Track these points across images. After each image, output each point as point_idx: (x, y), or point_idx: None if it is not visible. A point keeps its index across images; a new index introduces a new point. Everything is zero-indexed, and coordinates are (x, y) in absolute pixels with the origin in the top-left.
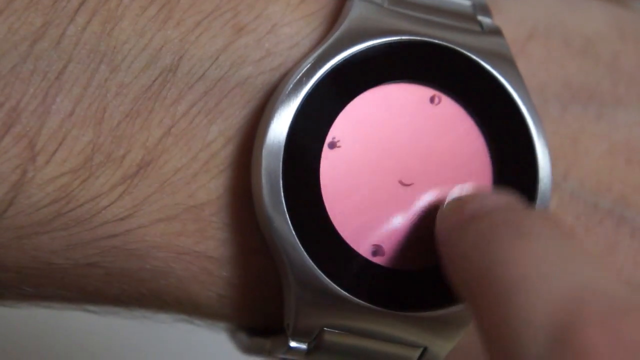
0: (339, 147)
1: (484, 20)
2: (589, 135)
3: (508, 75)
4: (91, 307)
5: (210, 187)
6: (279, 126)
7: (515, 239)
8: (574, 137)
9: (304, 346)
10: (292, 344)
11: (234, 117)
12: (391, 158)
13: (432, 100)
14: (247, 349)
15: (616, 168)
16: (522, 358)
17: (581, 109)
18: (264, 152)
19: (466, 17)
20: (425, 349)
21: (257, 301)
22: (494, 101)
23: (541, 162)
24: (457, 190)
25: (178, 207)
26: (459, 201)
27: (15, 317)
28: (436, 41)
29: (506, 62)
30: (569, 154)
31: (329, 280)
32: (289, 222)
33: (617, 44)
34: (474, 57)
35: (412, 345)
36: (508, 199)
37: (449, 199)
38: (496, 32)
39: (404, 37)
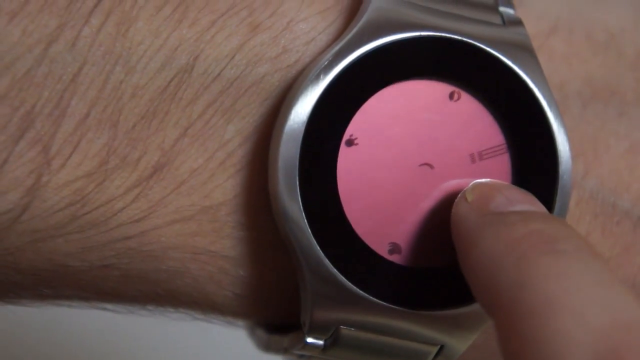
0: (356, 144)
1: (506, 11)
2: (610, 133)
3: (528, 68)
4: (108, 306)
5: (227, 186)
6: (296, 123)
7: (550, 256)
8: (594, 135)
9: (320, 342)
10: (309, 340)
11: (251, 115)
12: (409, 156)
13: (451, 96)
14: (266, 346)
15: (636, 168)
16: None
17: (602, 107)
18: (281, 148)
19: (488, 9)
20: (442, 346)
21: (274, 299)
22: (514, 96)
23: (562, 158)
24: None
25: (194, 208)
26: (482, 190)
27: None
28: (455, 37)
29: (526, 54)
30: (589, 152)
31: (344, 278)
32: (305, 218)
33: None
34: (493, 52)
35: (429, 343)
36: (531, 198)
37: (470, 186)
38: (517, 22)
39: (422, 33)
